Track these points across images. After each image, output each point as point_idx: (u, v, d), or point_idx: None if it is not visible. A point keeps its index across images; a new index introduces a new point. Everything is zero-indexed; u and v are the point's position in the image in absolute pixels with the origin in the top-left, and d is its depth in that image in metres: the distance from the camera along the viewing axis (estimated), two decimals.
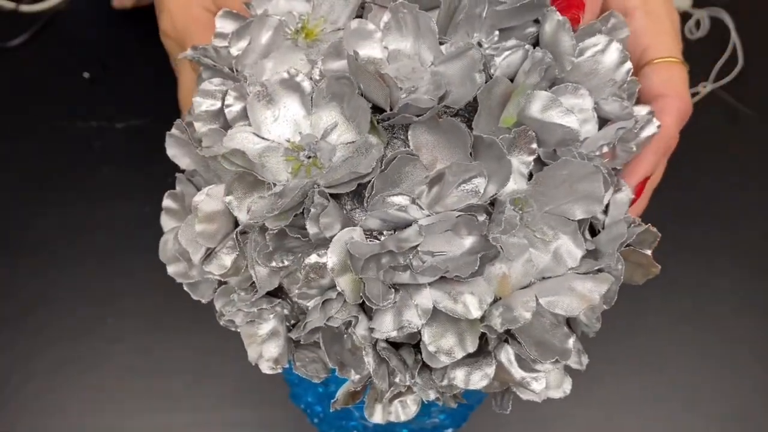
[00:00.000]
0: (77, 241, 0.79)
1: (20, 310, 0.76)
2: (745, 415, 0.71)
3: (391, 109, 0.34)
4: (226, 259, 0.37)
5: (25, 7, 0.91)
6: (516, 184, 0.35)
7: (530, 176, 0.36)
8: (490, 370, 0.36)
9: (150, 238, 0.71)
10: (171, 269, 0.40)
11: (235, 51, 0.38)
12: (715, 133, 0.83)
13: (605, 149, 0.37)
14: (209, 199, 0.36)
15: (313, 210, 0.33)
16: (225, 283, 0.39)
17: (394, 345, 0.37)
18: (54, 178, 0.82)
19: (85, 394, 0.72)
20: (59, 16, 0.91)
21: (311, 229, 0.34)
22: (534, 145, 0.35)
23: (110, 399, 0.72)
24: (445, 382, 0.36)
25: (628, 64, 0.38)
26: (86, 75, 0.85)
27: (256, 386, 0.72)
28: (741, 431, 0.71)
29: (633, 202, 0.42)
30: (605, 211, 0.39)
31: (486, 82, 0.34)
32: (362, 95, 0.35)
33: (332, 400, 0.39)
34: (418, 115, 0.34)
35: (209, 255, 0.37)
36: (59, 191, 0.81)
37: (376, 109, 0.35)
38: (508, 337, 0.36)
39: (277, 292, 0.38)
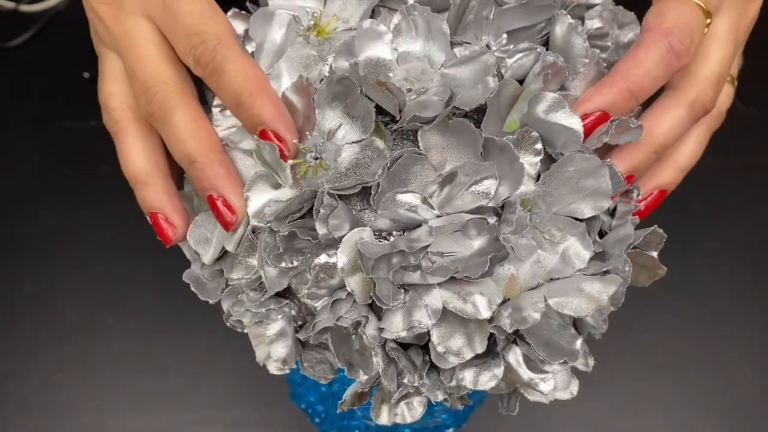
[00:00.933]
0: (77, 240, 0.79)
1: (20, 310, 0.76)
2: (749, 414, 0.72)
3: (400, 111, 0.35)
4: (251, 260, 0.37)
5: (25, 7, 0.90)
6: (524, 185, 0.35)
7: (538, 177, 0.36)
8: (499, 371, 0.36)
9: (150, 238, 0.71)
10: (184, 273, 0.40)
11: (249, 48, 0.38)
12: (715, 133, 0.84)
13: (605, 139, 0.36)
14: None
15: (322, 211, 0.33)
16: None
17: (402, 346, 0.37)
18: (54, 178, 0.82)
19: (85, 394, 0.72)
20: (59, 16, 0.91)
21: (320, 229, 0.34)
22: (539, 146, 0.35)
23: (110, 399, 0.72)
24: (453, 383, 0.37)
25: None
26: (86, 75, 0.85)
27: (257, 386, 0.72)
28: (744, 431, 0.71)
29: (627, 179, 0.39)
30: (612, 213, 0.39)
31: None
32: (367, 96, 0.35)
33: (339, 401, 0.40)
34: (427, 122, 0.34)
35: (221, 257, 0.38)
36: (59, 191, 0.81)
37: (384, 112, 0.36)
38: (516, 338, 0.36)
39: (285, 293, 0.38)
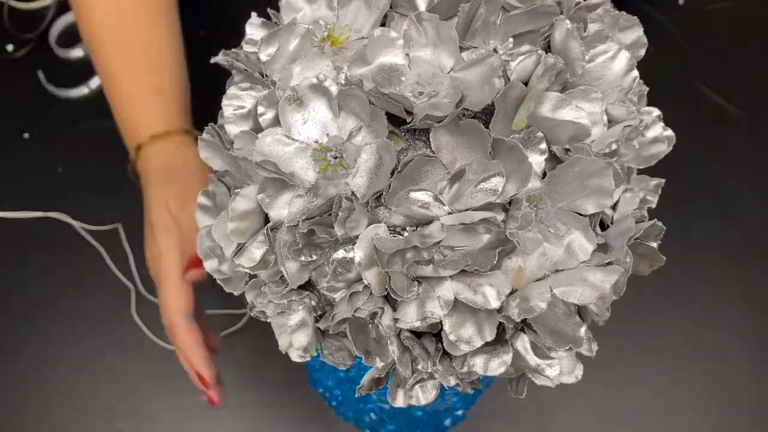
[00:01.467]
0: (78, 242, 0.81)
1: (20, 309, 0.78)
2: (742, 397, 0.74)
3: (410, 113, 0.36)
4: (256, 252, 0.39)
5: (21, 5, 0.91)
6: (530, 182, 0.37)
7: (543, 174, 0.38)
8: (508, 358, 0.38)
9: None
10: (207, 265, 0.42)
11: (263, 56, 0.39)
12: (705, 132, 0.85)
13: (614, 146, 0.38)
14: (242, 198, 0.38)
15: (341, 214, 0.35)
16: (255, 276, 0.41)
17: (416, 334, 0.39)
18: (54, 179, 0.84)
19: (102, 379, 0.74)
20: (59, 16, 0.91)
21: (339, 230, 0.36)
22: (543, 146, 0.36)
23: (118, 382, 0.74)
24: (464, 369, 0.39)
25: (635, 72, 0.40)
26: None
27: (274, 371, 0.74)
28: (738, 416, 0.73)
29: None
30: (614, 207, 0.40)
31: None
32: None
33: (357, 386, 0.42)
34: (438, 121, 0.36)
35: (240, 249, 0.39)
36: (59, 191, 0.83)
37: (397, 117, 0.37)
38: (524, 326, 0.38)
39: (305, 284, 0.40)
